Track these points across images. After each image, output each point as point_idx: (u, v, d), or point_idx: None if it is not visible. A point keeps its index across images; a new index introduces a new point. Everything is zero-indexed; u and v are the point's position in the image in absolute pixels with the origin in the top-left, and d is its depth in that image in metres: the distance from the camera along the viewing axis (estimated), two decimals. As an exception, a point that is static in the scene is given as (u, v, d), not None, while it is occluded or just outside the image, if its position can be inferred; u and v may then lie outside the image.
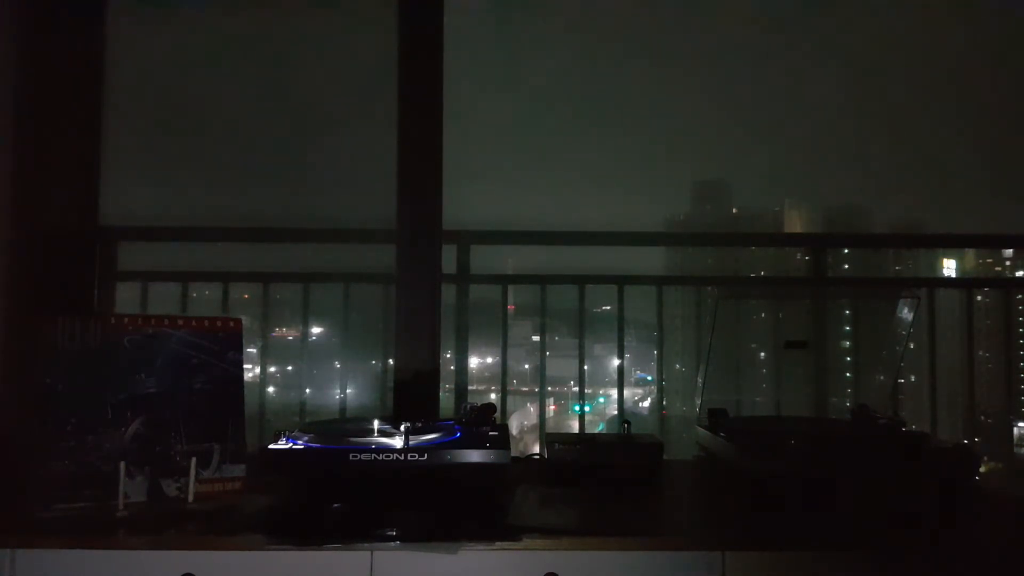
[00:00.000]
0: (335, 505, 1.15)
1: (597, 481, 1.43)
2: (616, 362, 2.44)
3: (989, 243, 2.79)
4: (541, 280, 2.38)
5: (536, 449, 1.71)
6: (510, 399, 2.57)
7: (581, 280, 2.38)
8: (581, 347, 2.45)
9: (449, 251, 2.15)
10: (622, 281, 2.35)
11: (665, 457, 1.51)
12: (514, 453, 1.20)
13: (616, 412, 2.58)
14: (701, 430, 1.58)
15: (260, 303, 2.32)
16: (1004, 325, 2.44)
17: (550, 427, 2.41)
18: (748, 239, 7.02)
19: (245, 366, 1.32)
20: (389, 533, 1.08)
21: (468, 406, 1.27)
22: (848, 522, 1.18)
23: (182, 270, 2.30)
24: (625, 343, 2.43)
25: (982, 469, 1.33)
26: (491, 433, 1.19)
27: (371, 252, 2.31)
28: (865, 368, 2.28)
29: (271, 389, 2.37)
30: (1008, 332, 2.44)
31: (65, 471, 1.15)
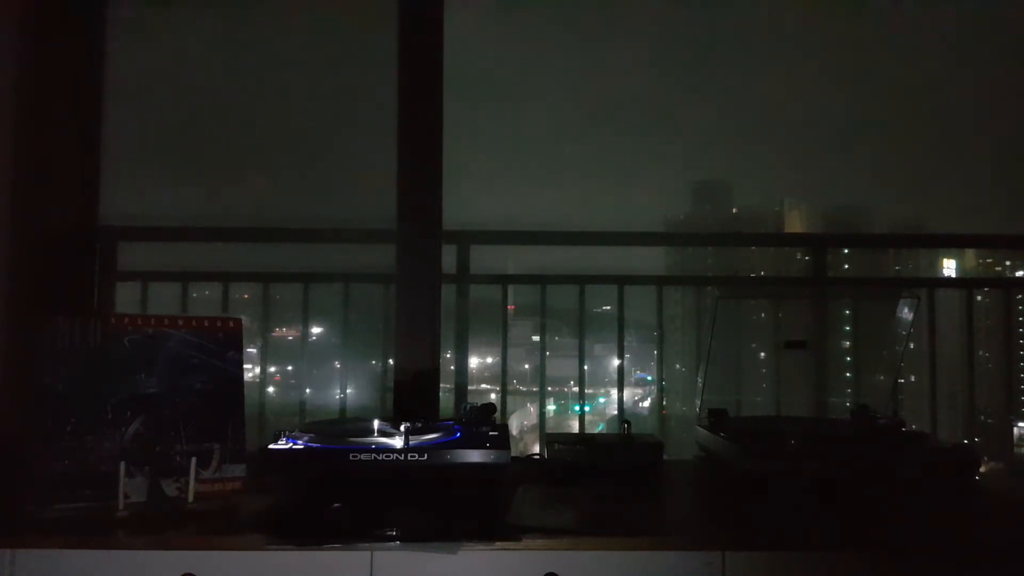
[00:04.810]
0: (335, 505, 1.15)
1: (597, 481, 1.43)
2: (616, 362, 2.43)
3: (989, 243, 2.78)
4: (541, 280, 2.38)
5: (536, 449, 1.71)
6: (510, 399, 2.57)
7: (581, 280, 2.38)
8: (581, 347, 2.45)
9: (449, 251, 2.15)
10: (622, 281, 2.35)
11: (665, 457, 1.51)
12: (514, 453, 1.20)
13: (616, 412, 2.58)
14: (701, 430, 1.58)
15: (260, 303, 2.32)
16: (1004, 325, 2.44)
17: (550, 427, 2.41)
18: (748, 239, 6.99)
19: (245, 366, 1.32)
20: (389, 533, 1.08)
21: (468, 406, 1.27)
22: (848, 522, 1.18)
23: (182, 270, 2.30)
24: (625, 343, 2.43)
25: (982, 469, 1.33)
26: (491, 433, 1.19)
27: (371, 252, 2.31)
28: (865, 368, 2.28)
29: (271, 389, 2.37)
30: (1008, 332, 2.44)
31: (65, 471, 1.15)
